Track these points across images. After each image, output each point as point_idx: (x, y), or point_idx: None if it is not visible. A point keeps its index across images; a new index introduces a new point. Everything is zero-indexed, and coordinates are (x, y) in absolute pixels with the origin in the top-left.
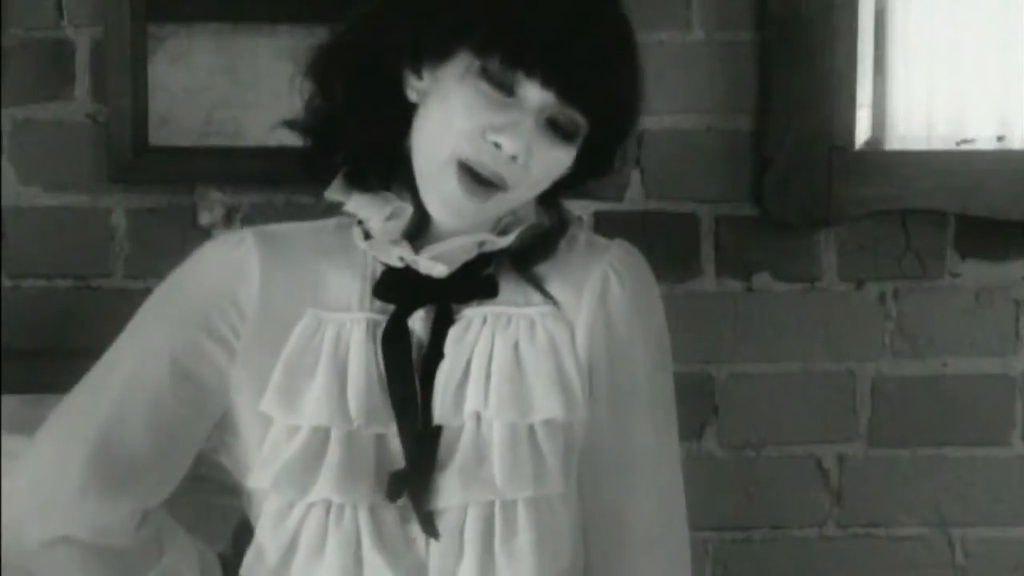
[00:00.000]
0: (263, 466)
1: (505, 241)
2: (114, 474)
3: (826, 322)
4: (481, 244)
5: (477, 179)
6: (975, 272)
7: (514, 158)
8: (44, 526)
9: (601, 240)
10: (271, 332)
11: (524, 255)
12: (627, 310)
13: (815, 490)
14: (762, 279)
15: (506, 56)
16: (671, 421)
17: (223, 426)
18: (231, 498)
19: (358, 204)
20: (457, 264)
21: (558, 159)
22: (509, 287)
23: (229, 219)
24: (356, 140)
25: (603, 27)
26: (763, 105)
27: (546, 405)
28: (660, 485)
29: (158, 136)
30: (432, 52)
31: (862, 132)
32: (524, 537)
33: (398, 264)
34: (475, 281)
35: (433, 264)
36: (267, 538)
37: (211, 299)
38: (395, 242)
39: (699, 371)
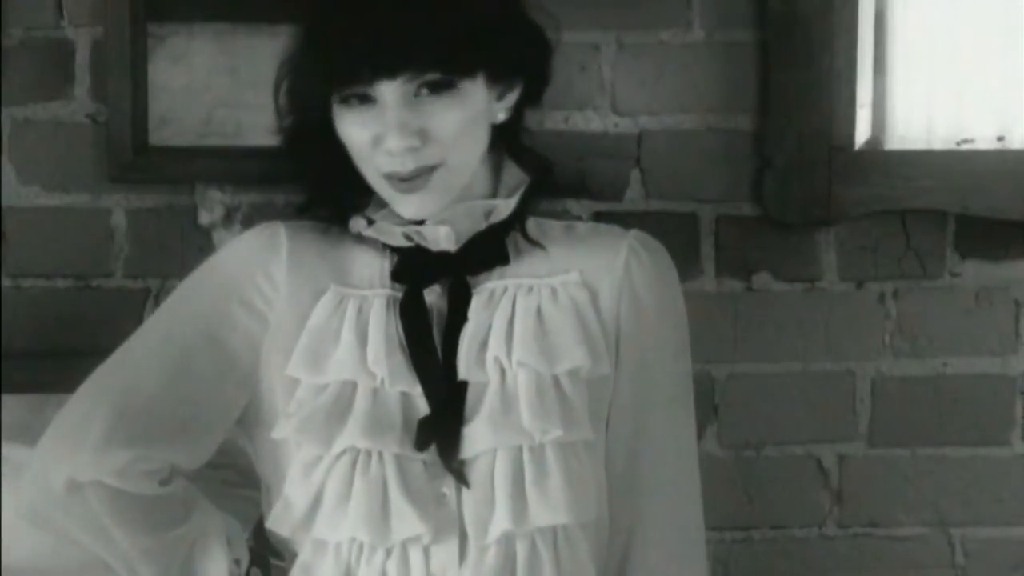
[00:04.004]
0: (288, 418)
1: (509, 205)
2: (139, 428)
3: (826, 322)
4: (488, 214)
5: (406, 179)
6: (975, 272)
7: (412, 148)
8: (72, 471)
9: (619, 228)
10: (300, 305)
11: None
12: (651, 286)
13: (815, 490)
14: (762, 279)
15: (339, 82)
16: (688, 401)
17: (250, 410)
18: (253, 490)
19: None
20: (465, 236)
21: (460, 107)
22: (532, 261)
23: (229, 219)
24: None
25: None
26: (763, 105)
27: (570, 355)
28: (675, 460)
29: (158, 136)
30: (310, 111)
31: (862, 132)
32: (555, 478)
33: (404, 243)
34: (486, 251)
35: (436, 230)
36: (294, 491)
37: (245, 271)
38: (397, 222)
39: (699, 371)
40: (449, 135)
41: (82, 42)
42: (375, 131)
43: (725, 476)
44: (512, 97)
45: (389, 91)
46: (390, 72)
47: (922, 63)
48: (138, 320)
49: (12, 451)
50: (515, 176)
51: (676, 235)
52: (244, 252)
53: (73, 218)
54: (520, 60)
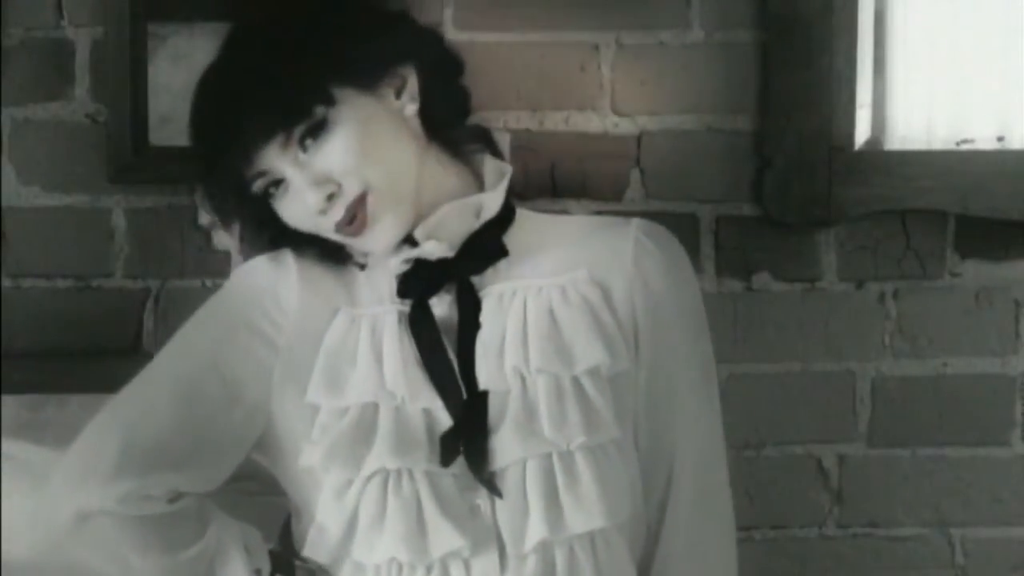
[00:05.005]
0: (313, 445)
1: (496, 198)
2: (146, 459)
3: (826, 322)
4: (479, 212)
5: (347, 222)
6: (975, 272)
7: (331, 195)
8: (80, 503)
9: (620, 219)
10: (311, 329)
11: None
12: (663, 276)
13: (815, 490)
14: (762, 279)
15: (224, 193)
16: (711, 385)
17: (267, 438)
18: (277, 496)
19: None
20: (460, 239)
21: (345, 132)
22: (537, 260)
23: None
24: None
25: (242, 76)
26: (763, 105)
27: (588, 354)
28: (700, 448)
29: (158, 136)
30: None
31: (862, 132)
32: (587, 482)
33: (404, 268)
34: (484, 249)
35: (425, 246)
36: (327, 516)
37: (253, 299)
38: (389, 253)
39: None
40: (352, 163)
41: (82, 42)
42: (298, 202)
43: None
44: (412, 86)
45: (276, 164)
46: (245, 159)
47: (922, 63)
48: (138, 320)
49: (13, 447)
50: (495, 168)
51: (676, 235)
52: (253, 279)
53: (73, 218)
54: (378, 54)
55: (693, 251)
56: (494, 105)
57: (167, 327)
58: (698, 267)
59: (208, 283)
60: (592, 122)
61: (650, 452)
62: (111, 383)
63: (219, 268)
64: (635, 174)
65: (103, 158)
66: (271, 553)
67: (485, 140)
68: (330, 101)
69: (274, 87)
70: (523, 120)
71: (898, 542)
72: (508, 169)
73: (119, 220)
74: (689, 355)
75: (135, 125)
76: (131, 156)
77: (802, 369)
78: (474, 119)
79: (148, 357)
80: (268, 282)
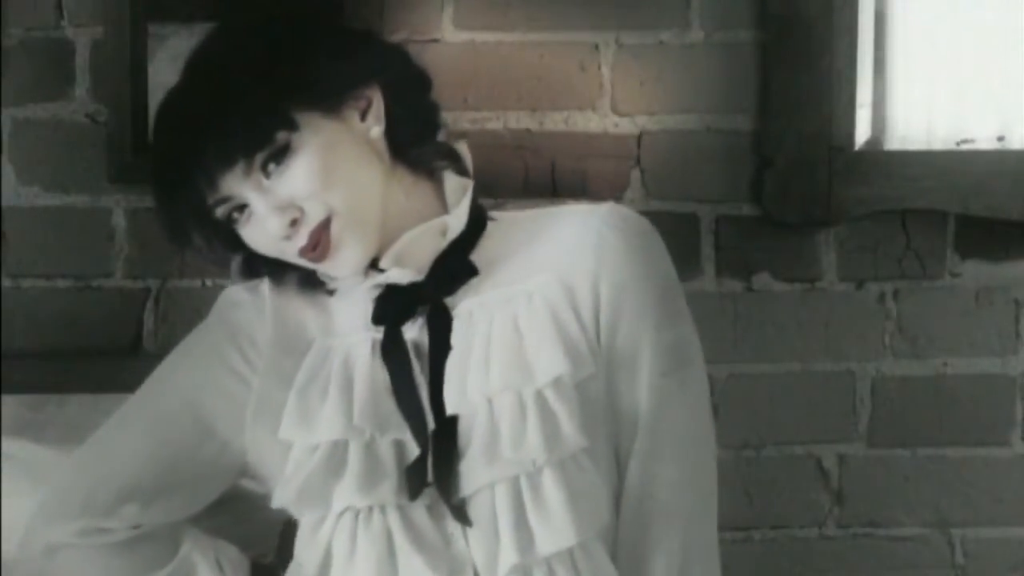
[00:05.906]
0: (285, 483)
1: (459, 216)
2: (115, 499)
3: (826, 322)
4: (444, 232)
5: (311, 248)
6: (975, 272)
7: (294, 221)
8: (46, 537)
9: (589, 208)
10: (284, 365)
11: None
12: (624, 266)
13: (815, 490)
14: (762, 279)
15: (187, 222)
16: (686, 372)
17: (251, 470)
18: (272, 510)
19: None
20: (428, 261)
21: (309, 157)
22: (509, 265)
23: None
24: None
25: (202, 105)
26: (763, 105)
27: (549, 365)
28: (673, 443)
29: None
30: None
31: (862, 132)
32: (554, 499)
33: (374, 292)
34: (454, 269)
35: (390, 274)
36: (303, 551)
37: (228, 336)
38: (357, 279)
39: None
40: (315, 188)
41: (82, 42)
42: (262, 228)
43: (725, 476)
44: (377, 107)
45: (239, 190)
46: (208, 185)
47: (922, 63)
48: (138, 320)
49: (13, 447)
50: (457, 185)
51: (676, 235)
52: (228, 316)
53: (73, 218)
54: (341, 76)
55: (693, 251)
56: (494, 105)
57: (167, 327)
58: (698, 267)
59: (208, 283)
60: (592, 122)
61: (624, 447)
62: (111, 383)
63: (219, 268)
64: (635, 174)
65: (103, 158)
66: (256, 567)
67: (450, 157)
68: (292, 126)
69: (235, 114)
70: (523, 120)
71: (898, 542)
72: (470, 184)
73: (119, 220)
74: (654, 341)
75: (135, 125)
76: (131, 156)
77: (802, 369)
78: (475, 119)
79: (148, 357)
80: (243, 319)
